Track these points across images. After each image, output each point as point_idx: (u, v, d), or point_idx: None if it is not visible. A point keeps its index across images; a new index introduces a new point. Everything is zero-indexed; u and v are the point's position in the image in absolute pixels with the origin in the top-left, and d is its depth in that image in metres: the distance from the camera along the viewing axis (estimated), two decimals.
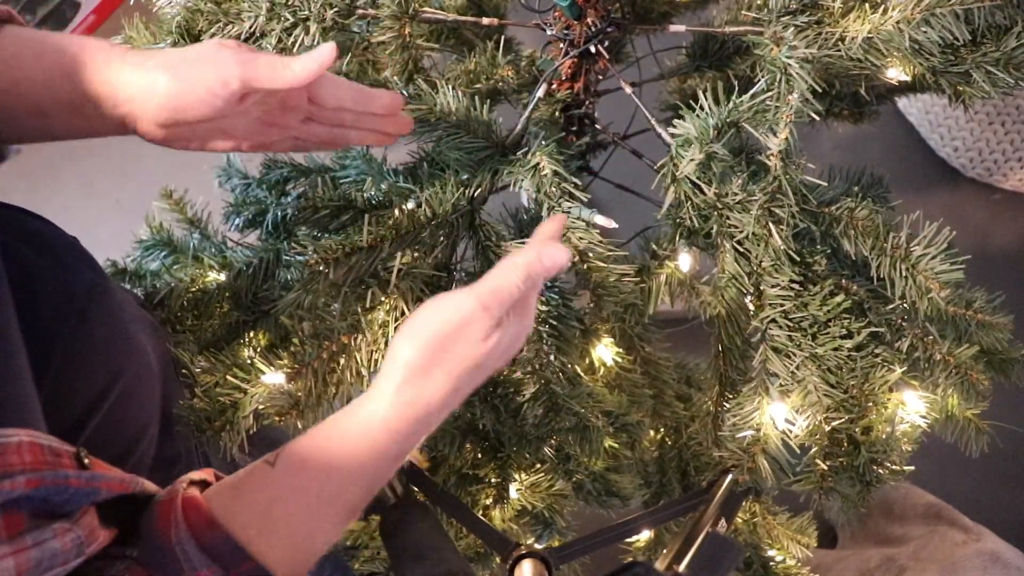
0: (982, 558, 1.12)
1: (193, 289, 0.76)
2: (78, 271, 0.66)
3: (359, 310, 0.68)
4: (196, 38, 0.84)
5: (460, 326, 0.55)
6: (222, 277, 0.77)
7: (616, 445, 0.86)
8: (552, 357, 0.69)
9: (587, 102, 0.90)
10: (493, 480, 0.78)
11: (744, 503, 0.99)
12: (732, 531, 0.83)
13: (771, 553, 1.02)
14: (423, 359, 0.55)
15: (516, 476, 0.80)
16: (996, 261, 1.80)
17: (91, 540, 0.50)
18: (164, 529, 0.50)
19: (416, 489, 0.84)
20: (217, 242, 0.94)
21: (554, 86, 0.86)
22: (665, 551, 0.76)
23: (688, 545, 0.74)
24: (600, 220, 0.68)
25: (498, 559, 0.73)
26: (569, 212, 0.66)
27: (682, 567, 0.72)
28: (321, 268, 0.60)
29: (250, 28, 0.80)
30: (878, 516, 1.39)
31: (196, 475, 0.57)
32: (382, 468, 0.56)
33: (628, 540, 1.03)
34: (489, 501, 0.78)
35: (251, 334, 0.78)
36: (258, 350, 0.80)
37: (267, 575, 0.51)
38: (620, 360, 0.86)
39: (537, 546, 0.76)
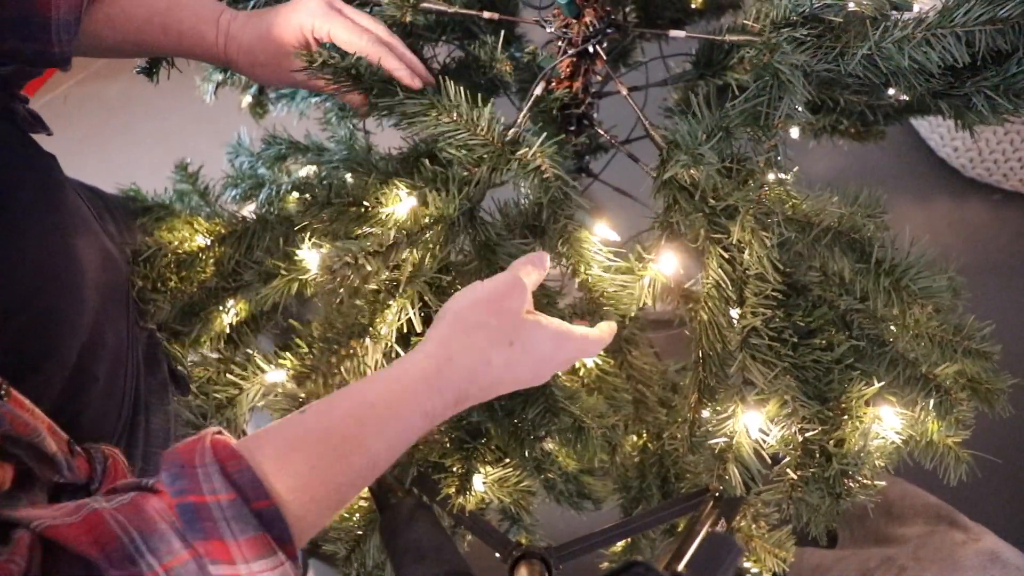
0: (982, 558, 1.11)
1: (179, 251, 0.77)
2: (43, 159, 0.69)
3: (367, 314, 0.69)
4: None
5: (506, 291, 0.60)
6: (208, 242, 0.77)
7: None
8: None
9: (586, 102, 0.90)
10: (457, 470, 0.78)
11: (743, 504, 0.98)
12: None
13: (747, 565, 1.01)
14: (470, 314, 0.59)
15: (481, 469, 0.80)
16: (995, 261, 1.79)
17: None
18: (188, 453, 0.48)
19: (416, 489, 0.84)
20: (213, 210, 0.95)
21: (552, 84, 0.86)
22: (664, 551, 0.76)
23: (688, 544, 0.74)
24: (604, 232, 0.68)
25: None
26: (580, 222, 0.67)
27: (682, 566, 0.71)
28: (348, 271, 0.60)
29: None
30: (878, 516, 1.38)
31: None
32: (410, 421, 0.55)
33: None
34: (452, 491, 0.78)
35: (230, 302, 0.79)
36: (236, 323, 0.81)
37: (280, 518, 0.48)
38: (601, 363, 0.86)
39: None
